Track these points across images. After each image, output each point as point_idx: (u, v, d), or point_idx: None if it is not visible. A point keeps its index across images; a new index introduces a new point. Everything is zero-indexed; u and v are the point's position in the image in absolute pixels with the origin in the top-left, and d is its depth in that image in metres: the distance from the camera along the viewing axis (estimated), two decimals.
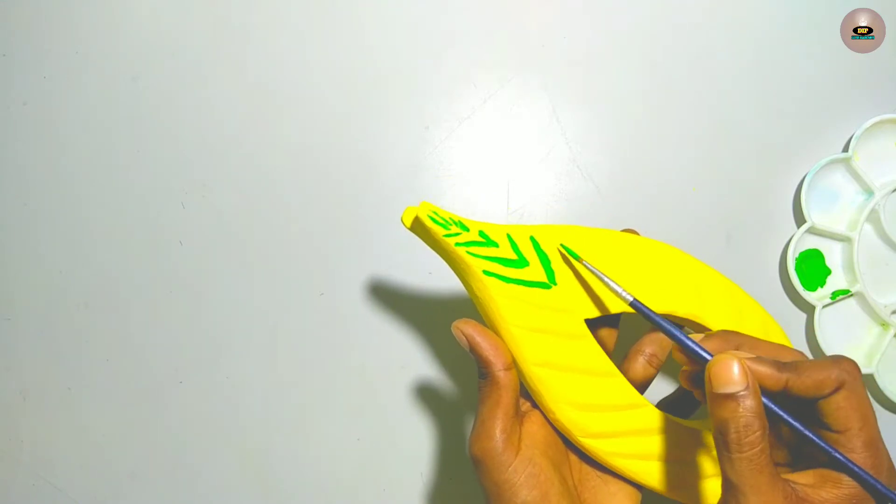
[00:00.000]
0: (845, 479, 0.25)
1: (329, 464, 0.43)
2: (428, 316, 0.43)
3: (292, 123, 0.44)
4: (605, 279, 0.30)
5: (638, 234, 0.34)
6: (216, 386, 0.44)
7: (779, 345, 0.28)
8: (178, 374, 0.44)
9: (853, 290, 0.40)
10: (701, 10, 0.43)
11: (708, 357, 0.26)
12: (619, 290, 0.29)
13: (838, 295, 0.40)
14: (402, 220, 0.30)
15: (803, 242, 0.41)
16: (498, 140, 0.44)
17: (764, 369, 0.25)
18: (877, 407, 0.41)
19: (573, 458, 0.32)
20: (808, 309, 0.41)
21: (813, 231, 0.41)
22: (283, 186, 0.44)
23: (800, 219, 0.41)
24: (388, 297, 0.43)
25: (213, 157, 0.45)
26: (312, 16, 0.45)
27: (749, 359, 0.25)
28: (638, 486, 0.31)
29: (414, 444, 0.43)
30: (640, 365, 0.33)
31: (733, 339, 0.27)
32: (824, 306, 0.40)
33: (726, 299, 0.33)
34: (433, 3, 0.44)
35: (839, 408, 0.25)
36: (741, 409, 0.24)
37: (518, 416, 0.30)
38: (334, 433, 0.43)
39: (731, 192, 0.42)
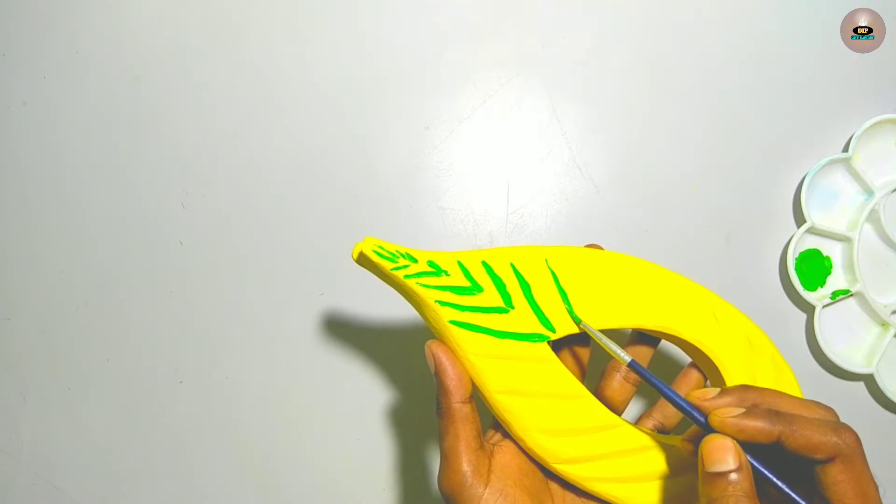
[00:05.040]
0: None
1: (329, 464, 0.43)
2: None
3: (292, 123, 0.44)
4: (605, 340, 0.29)
5: (601, 248, 0.32)
6: (216, 386, 0.44)
7: (803, 401, 0.26)
8: (178, 374, 0.44)
9: (853, 290, 0.40)
10: (701, 9, 0.43)
11: (700, 418, 0.25)
12: (619, 351, 0.28)
13: (838, 295, 0.40)
14: (351, 255, 0.30)
15: (803, 242, 0.41)
16: (498, 140, 0.44)
17: (754, 423, 0.24)
18: (877, 407, 0.41)
19: (554, 486, 0.31)
20: (808, 309, 0.41)
21: (813, 231, 0.41)
22: (283, 186, 0.44)
23: (800, 219, 0.41)
24: (387, 296, 0.43)
25: (213, 157, 0.45)
26: (312, 16, 0.45)
27: (740, 414, 0.25)
28: None
29: (414, 444, 0.43)
30: (616, 383, 0.33)
31: (750, 396, 0.26)
32: (824, 306, 0.40)
33: (701, 309, 0.31)
34: (433, 3, 0.44)
35: (836, 482, 0.24)
36: (731, 489, 0.23)
37: (485, 448, 0.29)
38: (334, 433, 0.43)
39: (731, 192, 0.42)
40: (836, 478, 0.24)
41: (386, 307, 0.43)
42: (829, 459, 0.24)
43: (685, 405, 0.26)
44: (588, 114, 0.43)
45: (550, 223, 0.43)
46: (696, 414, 0.26)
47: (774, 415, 0.25)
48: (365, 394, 0.43)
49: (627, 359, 0.28)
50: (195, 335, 0.44)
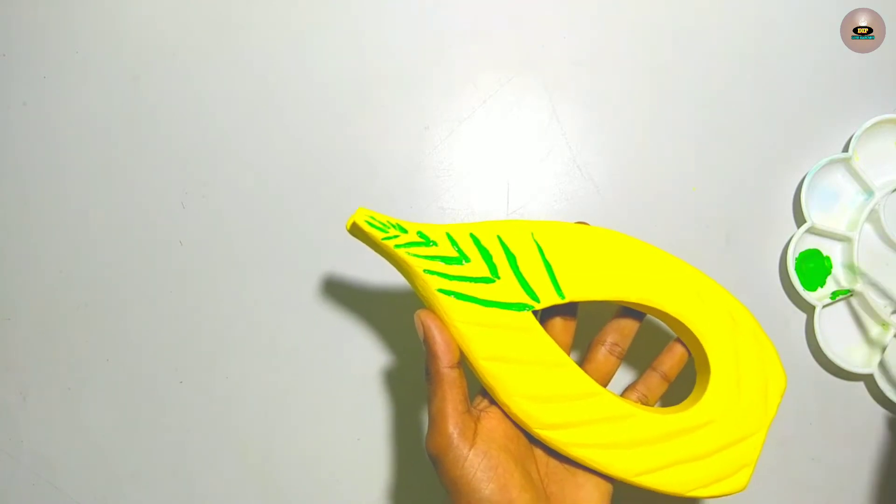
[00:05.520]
0: None
1: (329, 464, 0.43)
2: None
3: (292, 123, 0.44)
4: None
5: (588, 224, 0.33)
6: (216, 386, 0.44)
7: None
8: (178, 374, 0.44)
9: (853, 290, 0.40)
10: (701, 9, 0.43)
11: None
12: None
13: (838, 295, 0.40)
14: (345, 227, 0.31)
15: (803, 242, 0.41)
16: (498, 140, 0.44)
17: None
18: (877, 407, 0.41)
19: (539, 452, 0.32)
20: (808, 309, 0.41)
21: (813, 231, 0.41)
22: (283, 186, 0.44)
23: (800, 219, 0.41)
24: (388, 296, 0.43)
25: (213, 157, 0.45)
26: (312, 16, 0.45)
27: None
28: (607, 477, 0.31)
29: (414, 445, 0.43)
30: (601, 355, 0.34)
31: None
32: (824, 306, 0.40)
33: (685, 284, 0.32)
34: (433, 3, 0.44)
35: None
36: None
37: (471, 413, 0.30)
38: (334, 433, 0.43)
39: (731, 192, 0.42)
40: None
41: (388, 306, 0.43)
42: None
43: None
44: (588, 114, 0.43)
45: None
46: None
47: None
48: (366, 393, 0.43)
49: None
50: (195, 335, 0.44)
